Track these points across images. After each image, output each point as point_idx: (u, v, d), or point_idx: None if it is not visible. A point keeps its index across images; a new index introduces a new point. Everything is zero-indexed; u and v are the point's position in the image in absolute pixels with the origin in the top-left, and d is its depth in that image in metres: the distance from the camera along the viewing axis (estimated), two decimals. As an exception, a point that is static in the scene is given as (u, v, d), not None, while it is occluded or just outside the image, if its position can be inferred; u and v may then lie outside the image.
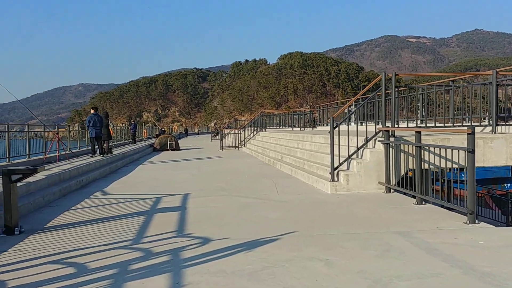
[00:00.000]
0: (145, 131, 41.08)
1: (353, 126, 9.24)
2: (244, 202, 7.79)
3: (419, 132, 7.47)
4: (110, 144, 17.41)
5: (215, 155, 20.58)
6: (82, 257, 4.66)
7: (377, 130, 8.92)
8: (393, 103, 8.95)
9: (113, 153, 17.21)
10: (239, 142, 26.04)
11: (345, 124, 9.95)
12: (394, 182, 8.41)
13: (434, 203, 7.29)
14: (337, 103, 23.40)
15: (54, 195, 8.49)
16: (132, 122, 30.00)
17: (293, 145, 15.23)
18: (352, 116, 24.16)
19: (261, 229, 5.77)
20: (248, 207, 7.38)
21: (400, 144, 8.33)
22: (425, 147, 7.54)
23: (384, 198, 8.00)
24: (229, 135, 28.78)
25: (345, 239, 5.22)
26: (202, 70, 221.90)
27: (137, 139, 33.58)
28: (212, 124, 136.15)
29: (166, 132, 56.80)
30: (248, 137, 26.26)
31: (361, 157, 8.94)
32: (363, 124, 10.36)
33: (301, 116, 28.67)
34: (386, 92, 8.97)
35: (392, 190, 8.41)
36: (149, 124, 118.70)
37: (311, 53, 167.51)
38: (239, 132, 26.78)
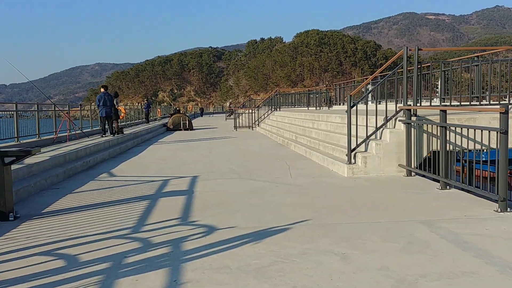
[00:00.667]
0: (159, 110, 40.80)
1: (371, 106, 8.68)
2: (255, 186, 7.34)
3: (445, 111, 6.88)
4: (120, 123, 17.09)
5: (228, 135, 20.15)
6: (76, 247, 4.28)
7: (397, 109, 8.34)
8: (415, 80, 8.34)
9: (124, 132, 16.90)
10: (253, 122, 25.54)
11: (363, 103, 9.40)
12: (415, 165, 7.87)
13: (457, 187, 6.75)
14: (354, 81, 22.65)
15: (58, 177, 8.15)
16: (146, 101, 29.65)
17: (308, 125, 14.69)
18: (369, 95, 23.55)
19: (271, 217, 5.33)
20: (259, 191, 6.93)
21: (423, 124, 7.76)
22: (451, 127, 6.97)
23: (405, 182, 7.47)
24: (243, 114, 28.28)
25: (363, 229, 4.74)
26: (217, 49, 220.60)
27: (151, 118, 33.33)
28: (227, 104, 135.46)
29: (180, 112, 56.75)
30: (262, 117, 25.74)
31: (380, 138, 8.39)
32: (382, 103, 9.77)
33: (317, 95, 27.96)
34: (408, 68, 8.36)
35: (413, 173, 7.88)
36: (165, 104, 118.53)
37: (327, 31, 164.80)
38: (253, 111, 26.25)
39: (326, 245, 4.22)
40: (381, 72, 11.09)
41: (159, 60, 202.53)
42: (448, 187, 6.75)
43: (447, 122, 6.94)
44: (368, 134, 8.31)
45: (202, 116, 61.08)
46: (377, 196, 6.42)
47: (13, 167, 6.99)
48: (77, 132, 15.61)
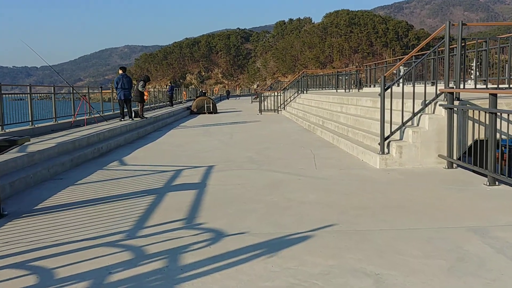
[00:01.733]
0: (184, 93, 40.25)
1: (407, 88, 7.74)
2: (275, 179, 6.56)
3: (495, 95, 5.90)
4: (144, 107, 16.48)
5: (252, 119, 19.36)
6: (56, 258, 3.61)
7: (438, 92, 7.37)
8: (458, 59, 7.33)
9: (146, 117, 16.31)
10: (279, 105, 24.65)
11: (398, 85, 8.44)
12: (457, 156, 6.92)
13: (508, 183, 5.80)
14: (386, 62, 21.40)
15: (63, 166, 7.57)
16: (170, 84, 29.08)
17: (336, 109, 13.75)
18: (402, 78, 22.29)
19: (290, 219, 4.55)
20: (278, 185, 6.15)
21: (467, 110, 6.78)
22: (503, 114, 6.00)
23: (446, 175, 6.56)
24: (269, 97, 27.37)
25: (401, 239, 3.92)
26: (245, 30, 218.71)
27: (176, 101, 32.81)
28: (255, 86, 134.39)
29: (206, 95, 56.18)
30: (289, 100, 24.80)
31: (418, 125, 7.45)
32: (418, 86, 8.78)
33: (346, 77, 26.77)
34: (450, 47, 7.34)
35: (454, 165, 6.94)
36: (192, 86, 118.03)
37: (357, 11, 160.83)
38: (279, 94, 25.33)
39: (355, 262, 3.42)
40: (417, 52, 10.04)
41: (187, 42, 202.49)
42: (497, 182, 5.81)
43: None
44: (404, 121, 7.38)
45: (228, 98, 60.33)
46: (414, 193, 5.54)
47: (12, 155, 6.43)
48: (95, 116, 15.12)
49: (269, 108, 24.80)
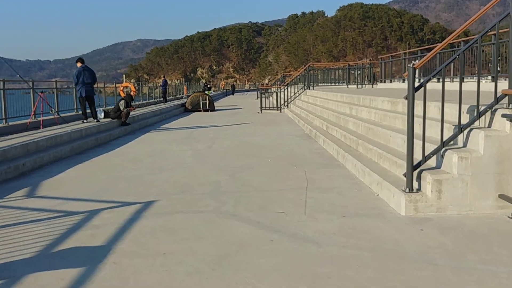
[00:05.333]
0: (185, 87, 37.58)
1: (449, 86, 5.03)
2: (232, 242, 3.90)
3: None
4: (129, 113, 13.75)
5: (248, 120, 16.70)
6: None
7: (499, 95, 4.65)
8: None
9: (128, 123, 13.68)
10: (283, 102, 21.97)
11: (436, 80, 5.71)
12: (534, 198, 4.24)
13: None
14: (406, 54, 18.58)
15: None
16: (163, 78, 26.48)
17: (344, 110, 11.06)
18: (416, 73, 19.24)
19: None
20: (231, 261, 3.50)
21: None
22: None
23: (521, 237, 3.88)
24: (274, 94, 24.68)
25: None
26: (257, 24, 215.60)
27: (173, 97, 30.29)
28: (266, 81, 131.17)
29: (211, 89, 53.44)
30: (293, 97, 22.10)
31: (466, 146, 4.75)
32: (469, 81, 6.04)
33: (358, 72, 23.97)
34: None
35: (529, 214, 4.26)
36: (203, 81, 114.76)
37: (372, 4, 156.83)
38: (282, 90, 22.63)
39: None
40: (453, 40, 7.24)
41: (198, 36, 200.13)
42: None
43: None
44: (445, 139, 4.68)
45: (233, 94, 57.06)
46: (481, 294, 2.88)
47: None
48: (56, 116, 12.62)
49: (271, 106, 22.10)
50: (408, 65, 4.34)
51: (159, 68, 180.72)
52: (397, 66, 21.31)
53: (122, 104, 13.28)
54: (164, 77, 27.17)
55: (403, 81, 18.27)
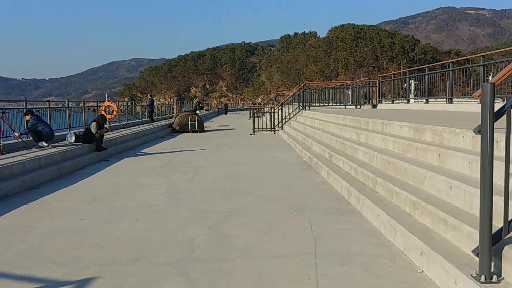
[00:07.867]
0: (175, 106, 35.86)
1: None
2: None
3: None
4: (103, 139, 12.07)
5: (238, 143, 15.05)
6: None
7: None
8: None
9: (105, 148, 11.98)
10: (277, 123, 20.37)
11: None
12: None
13: None
14: (409, 72, 17.11)
15: None
16: (149, 97, 24.78)
17: (350, 136, 9.44)
18: (412, 90, 17.79)
19: None
20: None
21: None
22: None
23: None
24: (268, 114, 23.12)
25: None
26: (250, 44, 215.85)
27: (159, 117, 28.60)
28: (259, 100, 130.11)
29: (203, 107, 51.85)
30: (288, 117, 20.52)
31: None
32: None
33: (354, 90, 22.51)
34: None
35: None
36: (197, 99, 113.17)
37: (363, 25, 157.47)
38: (276, 111, 21.06)
39: None
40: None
41: (191, 55, 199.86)
42: None
43: None
44: (534, 194, 3.04)
45: (226, 113, 55.42)
46: None
47: None
48: (19, 140, 10.88)
49: (265, 127, 20.48)
50: (485, 80, 2.72)
51: (152, 86, 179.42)
52: (399, 84, 19.89)
53: (93, 127, 11.59)
54: (150, 96, 25.48)
55: (407, 101, 16.78)
